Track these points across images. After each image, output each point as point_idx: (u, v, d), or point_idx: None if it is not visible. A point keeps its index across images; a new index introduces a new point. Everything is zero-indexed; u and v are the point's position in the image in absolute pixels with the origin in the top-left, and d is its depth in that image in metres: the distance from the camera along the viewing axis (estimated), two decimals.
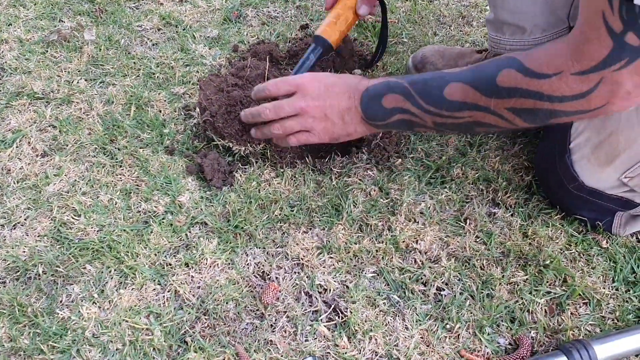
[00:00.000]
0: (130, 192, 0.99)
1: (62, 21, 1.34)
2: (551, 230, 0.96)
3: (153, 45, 1.30)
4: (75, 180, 1.00)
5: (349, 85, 0.89)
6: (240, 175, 1.02)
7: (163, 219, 0.95)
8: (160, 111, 1.14)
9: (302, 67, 1.07)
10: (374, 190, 1.01)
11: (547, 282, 0.89)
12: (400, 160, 1.06)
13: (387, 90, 0.84)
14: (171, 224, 0.94)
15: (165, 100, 1.16)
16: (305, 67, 1.07)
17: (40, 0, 1.39)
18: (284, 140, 0.95)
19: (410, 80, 0.83)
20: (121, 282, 0.86)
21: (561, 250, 0.94)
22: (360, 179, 1.03)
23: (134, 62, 1.24)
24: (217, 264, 0.89)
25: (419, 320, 0.84)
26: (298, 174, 1.03)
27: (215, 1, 1.42)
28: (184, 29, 1.34)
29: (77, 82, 1.19)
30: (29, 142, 1.06)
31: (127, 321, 0.82)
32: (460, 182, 1.03)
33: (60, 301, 0.84)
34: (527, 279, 0.90)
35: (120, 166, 1.03)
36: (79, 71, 1.21)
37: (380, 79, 0.87)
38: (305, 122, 0.90)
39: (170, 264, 0.89)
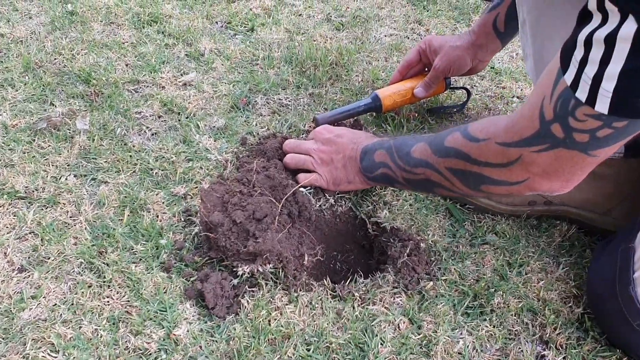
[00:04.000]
0: (119, 322, 0.84)
1: (54, 104, 1.22)
2: None
3: (152, 135, 1.17)
4: (55, 305, 0.86)
5: (354, 138, 1.01)
6: (248, 302, 0.87)
7: (156, 358, 0.80)
8: (158, 216, 1.00)
9: (351, 110, 1.18)
10: (404, 322, 0.87)
11: None
12: (431, 283, 0.92)
13: (380, 146, 0.94)
14: None
15: (163, 203, 1.02)
16: (353, 111, 1.18)
17: (31, 80, 1.28)
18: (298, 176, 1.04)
19: (396, 139, 0.93)
20: None
21: None
22: (387, 307, 0.89)
23: (130, 156, 1.11)
24: None
25: None
26: (315, 300, 0.89)
27: (222, 86, 1.31)
28: (187, 117, 1.22)
29: (65, 179, 1.05)
30: (5, 253, 0.92)
31: None
32: (502, 313, 0.90)
33: None
34: None
35: (109, 286, 0.89)
36: (68, 165, 1.08)
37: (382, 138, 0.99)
38: (314, 162, 1.02)
39: None
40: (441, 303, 0.90)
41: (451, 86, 1.28)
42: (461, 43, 1.18)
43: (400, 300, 0.90)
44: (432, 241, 0.99)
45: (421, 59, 1.23)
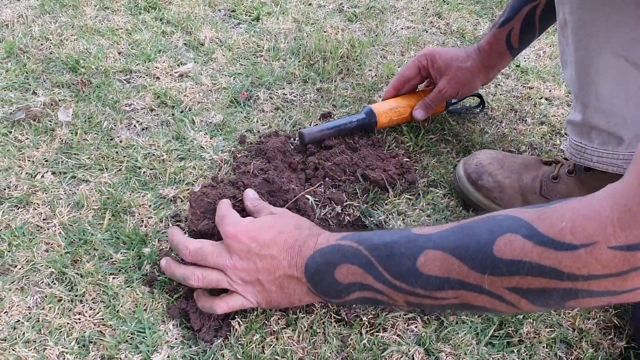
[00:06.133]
0: (90, 344, 0.73)
1: (36, 93, 1.11)
2: None
3: (142, 130, 1.06)
4: (18, 321, 0.74)
5: (290, 246, 0.68)
6: (239, 324, 0.76)
7: None
8: (143, 221, 0.89)
9: (341, 125, 1.03)
10: (419, 353, 0.75)
11: None
12: None
13: (341, 259, 0.63)
14: None
15: (150, 206, 0.91)
16: (344, 127, 1.03)
17: (14, 67, 1.17)
18: (209, 303, 0.72)
19: (371, 245, 0.62)
20: None
21: None
22: (399, 335, 0.77)
23: (117, 152, 1.00)
24: None
25: None
26: (316, 323, 0.77)
27: (221, 78, 1.20)
28: (181, 112, 1.10)
29: (42, 176, 0.94)
30: None
31: None
32: (532, 344, 0.77)
33: None
34: None
35: (81, 301, 0.77)
36: (46, 161, 0.97)
37: (332, 238, 0.66)
38: (232, 282, 0.70)
39: None
40: (462, 331, 0.78)
41: (452, 104, 1.15)
42: (471, 64, 1.03)
43: (416, 327, 0.78)
44: None
45: (420, 74, 1.09)
